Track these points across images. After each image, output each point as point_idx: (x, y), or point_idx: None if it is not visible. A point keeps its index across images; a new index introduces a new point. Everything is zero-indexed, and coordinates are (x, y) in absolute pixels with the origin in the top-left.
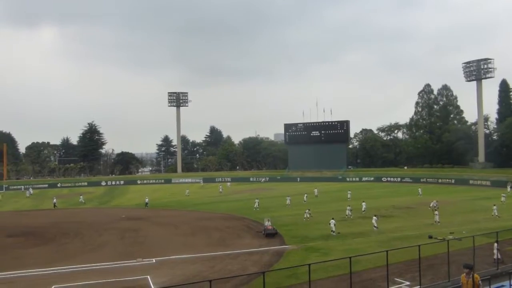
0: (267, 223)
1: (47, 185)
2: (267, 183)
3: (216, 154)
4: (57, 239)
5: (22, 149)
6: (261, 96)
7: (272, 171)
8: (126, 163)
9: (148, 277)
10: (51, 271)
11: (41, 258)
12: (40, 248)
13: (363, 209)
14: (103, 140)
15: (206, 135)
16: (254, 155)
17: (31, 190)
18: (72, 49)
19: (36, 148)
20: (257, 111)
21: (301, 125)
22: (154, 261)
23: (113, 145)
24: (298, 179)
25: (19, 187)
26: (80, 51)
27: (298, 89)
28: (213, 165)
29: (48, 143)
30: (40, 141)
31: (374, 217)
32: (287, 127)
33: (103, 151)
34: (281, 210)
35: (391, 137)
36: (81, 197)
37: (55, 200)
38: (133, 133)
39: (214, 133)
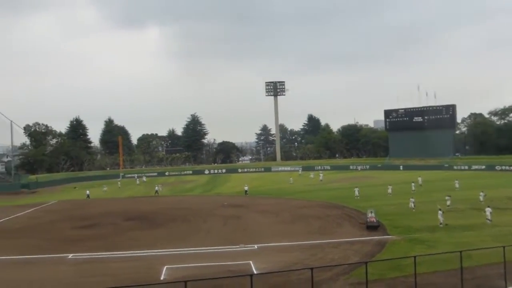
0: (370, 215)
1: (156, 174)
2: (367, 171)
3: (315, 142)
4: (167, 223)
5: (134, 140)
6: (359, 82)
7: (372, 159)
8: (227, 152)
9: (251, 262)
10: (163, 252)
11: (153, 241)
12: (153, 231)
13: (481, 199)
14: (205, 130)
15: (304, 123)
16: (353, 143)
17: (144, 178)
18: (175, 46)
19: (146, 140)
20: (355, 98)
21: (402, 110)
22: (256, 247)
23: (214, 135)
24: (401, 167)
25: (132, 175)
26: (183, 47)
27: (398, 73)
28: (312, 153)
29: (156, 134)
30: (149, 133)
31: (488, 209)
32: (387, 113)
33: (205, 141)
34: (382, 199)
35: (506, 121)
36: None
37: (157, 188)
38: (233, 123)
39: (312, 121)
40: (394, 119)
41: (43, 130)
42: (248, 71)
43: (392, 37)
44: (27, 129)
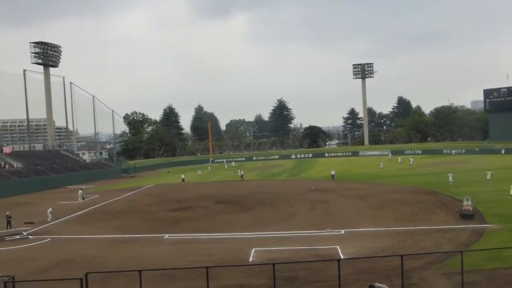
0: (466, 202)
1: (244, 159)
2: (462, 155)
3: (405, 125)
4: (255, 207)
5: (223, 126)
6: (454, 61)
7: (468, 143)
8: (314, 136)
9: (338, 247)
10: (251, 235)
11: (242, 223)
12: (241, 214)
13: None
14: (291, 115)
15: (394, 106)
16: (447, 125)
17: (233, 163)
18: (261, 32)
19: (234, 125)
20: (449, 78)
21: (505, 90)
22: (342, 232)
23: (301, 119)
24: (503, 151)
25: (221, 160)
26: (268, 33)
27: (500, 51)
28: (402, 137)
29: (244, 120)
30: (237, 119)
31: None
32: (487, 93)
33: (292, 125)
34: (480, 185)
35: None
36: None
37: (240, 172)
38: (320, 107)
39: (402, 103)
40: (495, 99)
41: (140, 119)
42: (335, 54)
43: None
44: (126, 118)
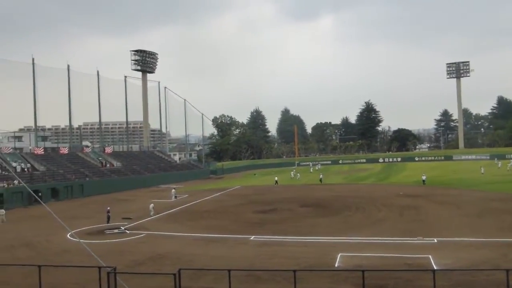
0: None
1: (330, 162)
2: None
3: (506, 127)
4: (341, 211)
5: (309, 129)
6: None
7: None
8: (403, 139)
9: (430, 256)
10: (337, 240)
11: (328, 228)
12: (327, 218)
13: None
14: (379, 117)
15: (493, 106)
16: None
17: (318, 166)
18: (348, 33)
19: (320, 128)
20: None
21: None
22: (435, 241)
23: (389, 122)
24: None
25: (307, 163)
26: (356, 33)
27: None
28: (502, 140)
29: (330, 123)
30: (323, 122)
31: None
32: None
33: (379, 128)
34: None
35: None
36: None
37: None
38: (410, 109)
39: (503, 104)
40: None
41: (228, 122)
42: (427, 52)
43: None
44: (215, 121)
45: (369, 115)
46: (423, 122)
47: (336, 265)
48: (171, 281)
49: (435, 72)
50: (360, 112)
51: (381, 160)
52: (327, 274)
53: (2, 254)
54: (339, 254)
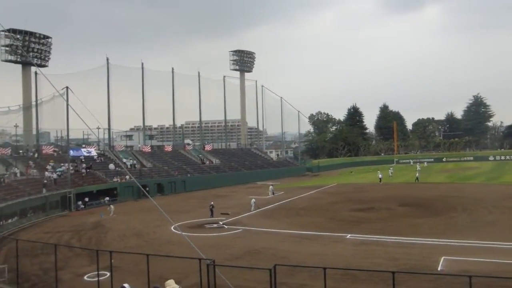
0: None
1: (432, 160)
2: None
3: None
4: (444, 212)
5: (409, 126)
6: None
7: None
8: None
9: None
10: (440, 242)
11: (430, 229)
12: (429, 219)
13: None
14: (490, 112)
15: None
16: None
17: (424, 164)
18: (454, 23)
19: (421, 124)
20: None
21: None
22: None
23: (502, 117)
24: None
25: (407, 161)
26: (465, 23)
27: None
28: None
29: (433, 118)
30: (425, 117)
31: None
32: None
33: (490, 124)
34: None
35: None
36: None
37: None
38: None
39: None
40: None
41: (324, 119)
42: None
43: None
44: (311, 118)
45: (478, 109)
46: None
47: (439, 269)
48: (267, 276)
49: None
50: (468, 107)
51: (491, 158)
52: (428, 278)
53: (117, 242)
54: (442, 257)
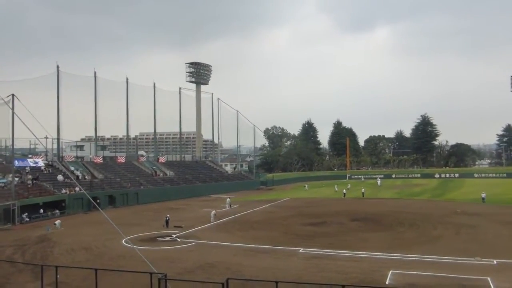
0: None
1: (383, 176)
2: None
3: None
4: (393, 227)
5: (361, 142)
6: None
7: None
8: (461, 155)
9: (488, 278)
10: (388, 256)
11: (379, 243)
12: (378, 233)
13: None
14: (436, 131)
15: None
16: None
17: (378, 181)
18: (404, 45)
19: (373, 141)
20: None
21: None
22: (495, 262)
23: (447, 136)
24: None
25: (359, 176)
26: (412, 45)
27: None
28: None
29: (384, 136)
30: (376, 135)
31: None
32: None
33: (436, 142)
34: None
35: None
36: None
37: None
38: (469, 123)
39: None
40: None
41: (279, 133)
42: (487, 64)
43: None
44: (266, 132)
45: (425, 128)
46: (483, 137)
47: (387, 282)
48: None
49: (497, 85)
50: (416, 126)
51: (437, 175)
52: None
53: (64, 257)
54: (390, 271)
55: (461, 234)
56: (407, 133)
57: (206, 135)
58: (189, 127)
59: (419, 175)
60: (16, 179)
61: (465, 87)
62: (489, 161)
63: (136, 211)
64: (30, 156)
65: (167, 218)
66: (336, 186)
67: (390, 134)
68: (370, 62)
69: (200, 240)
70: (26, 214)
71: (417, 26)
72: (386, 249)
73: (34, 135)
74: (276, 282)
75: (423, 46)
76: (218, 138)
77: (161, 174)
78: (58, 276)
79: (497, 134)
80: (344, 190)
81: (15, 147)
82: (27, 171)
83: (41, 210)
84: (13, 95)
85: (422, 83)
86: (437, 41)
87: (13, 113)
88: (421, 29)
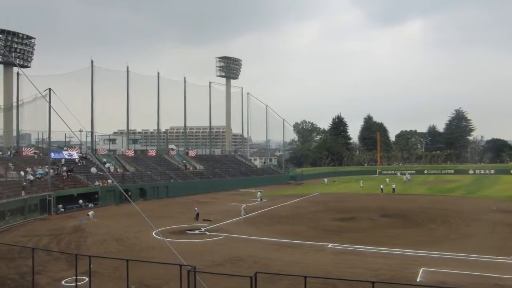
0: None
1: (414, 171)
2: None
3: None
4: (424, 223)
5: (392, 137)
6: None
7: None
8: (497, 150)
9: None
10: (419, 253)
11: (410, 240)
12: (409, 230)
13: None
14: (471, 126)
15: None
16: None
17: (408, 176)
18: (436, 38)
19: (404, 136)
20: None
21: None
22: None
23: (482, 131)
24: None
25: (390, 172)
26: (449, 38)
27: None
28: None
29: (415, 131)
30: (408, 130)
31: None
32: None
33: (471, 138)
34: None
35: None
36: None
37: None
38: (507, 118)
39: None
40: None
41: (309, 128)
42: None
43: None
44: (295, 126)
45: (459, 123)
46: None
47: (417, 280)
48: (248, 283)
49: None
50: (450, 121)
51: (471, 171)
52: None
53: (96, 247)
54: (422, 269)
55: (496, 232)
56: (441, 128)
57: (236, 129)
58: (219, 121)
59: (452, 171)
60: (52, 171)
61: (502, 80)
62: None
63: (166, 204)
64: (65, 148)
65: (197, 211)
66: (361, 181)
67: (423, 129)
68: (402, 56)
69: (229, 233)
70: (61, 205)
71: (450, 18)
72: (417, 246)
73: (69, 128)
74: (305, 277)
75: (457, 39)
76: (248, 133)
77: (191, 168)
78: (91, 265)
79: None
80: (382, 186)
81: (51, 139)
82: (62, 163)
83: (80, 201)
84: (49, 89)
85: (457, 76)
86: (471, 34)
87: (49, 106)
88: (454, 22)
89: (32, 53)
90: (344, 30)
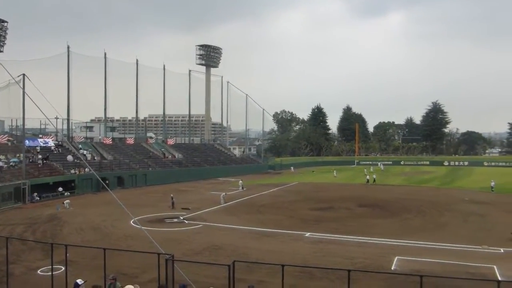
0: None
1: (391, 162)
2: None
3: None
4: (400, 213)
5: (370, 128)
6: None
7: None
8: (471, 143)
9: (494, 267)
10: (395, 242)
11: (386, 229)
12: (385, 220)
13: None
14: (447, 119)
15: None
16: None
17: (381, 166)
18: (416, 31)
19: (382, 128)
20: None
21: None
22: (502, 250)
23: (457, 124)
24: None
25: (367, 162)
26: (426, 31)
27: None
28: None
29: (393, 122)
30: (386, 121)
31: None
32: None
33: (446, 130)
34: None
35: None
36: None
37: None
38: (481, 111)
39: None
40: None
41: (288, 117)
42: (499, 53)
43: None
44: (275, 116)
45: (435, 116)
46: (495, 125)
47: (392, 268)
48: (226, 272)
49: (511, 73)
50: (426, 113)
51: (446, 163)
52: (382, 276)
53: (73, 236)
54: (396, 257)
55: (469, 222)
56: (417, 120)
57: (215, 118)
58: (198, 109)
59: (428, 163)
60: (27, 158)
61: (477, 74)
62: (499, 149)
63: (144, 192)
64: (40, 136)
65: (173, 199)
66: (335, 171)
67: (400, 121)
68: (381, 48)
69: (207, 222)
70: (36, 194)
71: (430, 11)
72: (393, 235)
73: (44, 115)
74: (283, 266)
75: (435, 32)
76: (227, 122)
77: (170, 156)
78: (67, 254)
79: (509, 123)
80: (368, 176)
81: (26, 127)
82: (37, 150)
83: (60, 188)
84: (23, 74)
85: (434, 70)
86: (450, 28)
87: (23, 92)
88: (434, 15)
89: (4, 37)
90: (325, 21)
